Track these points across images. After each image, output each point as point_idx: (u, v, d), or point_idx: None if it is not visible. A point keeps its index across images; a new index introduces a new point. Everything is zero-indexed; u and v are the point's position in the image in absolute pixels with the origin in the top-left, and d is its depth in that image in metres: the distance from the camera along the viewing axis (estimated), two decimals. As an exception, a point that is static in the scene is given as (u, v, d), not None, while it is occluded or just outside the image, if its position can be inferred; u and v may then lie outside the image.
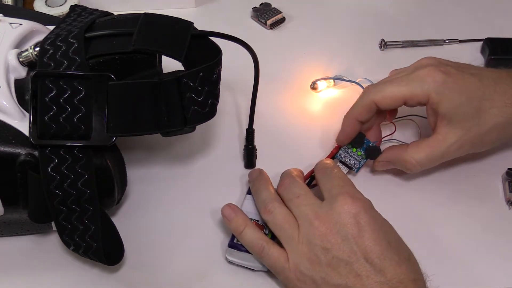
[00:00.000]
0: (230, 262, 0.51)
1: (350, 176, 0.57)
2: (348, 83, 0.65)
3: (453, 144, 0.52)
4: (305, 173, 0.55)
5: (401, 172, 0.58)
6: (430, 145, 0.53)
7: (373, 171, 0.58)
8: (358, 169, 0.56)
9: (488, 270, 0.51)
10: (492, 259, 0.52)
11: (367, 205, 0.47)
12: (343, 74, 0.66)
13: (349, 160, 0.56)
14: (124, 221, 0.53)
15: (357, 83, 0.64)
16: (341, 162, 0.56)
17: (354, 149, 0.56)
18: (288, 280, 0.47)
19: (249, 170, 0.58)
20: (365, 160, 0.56)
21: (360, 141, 0.56)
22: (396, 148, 0.56)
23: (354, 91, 0.63)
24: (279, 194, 0.51)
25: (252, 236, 0.49)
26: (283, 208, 0.49)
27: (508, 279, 0.50)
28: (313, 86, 0.65)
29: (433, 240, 0.53)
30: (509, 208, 0.55)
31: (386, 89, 0.53)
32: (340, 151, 0.57)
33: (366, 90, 0.55)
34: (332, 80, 0.66)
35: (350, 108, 0.56)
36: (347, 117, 0.56)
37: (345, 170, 0.56)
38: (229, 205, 0.51)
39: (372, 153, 0.56)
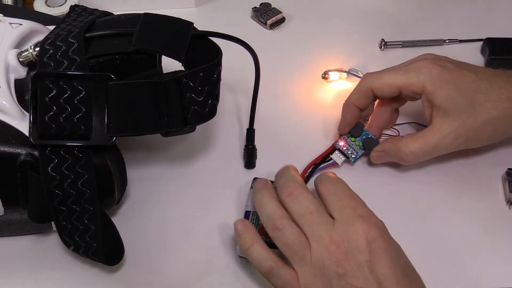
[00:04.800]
0: (241, 257, 0.51)
1: (347, 166, 0.58)
2: (359, 78, 0.64)
3: (447, 135, 0.53)
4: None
5: (400, 172, 0.58)
6: (424, 136, 0.54)
7: (371, 164, 0.58)
8: (356, 159, 0.57)
9: (488, 270, 0.51)
10: (492, 259, 0.52)
11: (383, 230, 0.44)
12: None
13: (347, 149, 0.57)
14: (124, 221, 0.53)
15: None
16: (339, 150, 0.57)
17: (353, 139, 0.57)
18: None
19: (249, 170, 0.58)
20: (362, 151, 0.57)
21: (358, 131, 0.57)
22: (391, 139, 0.57)
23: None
24: (282, 202, 0.47)
25: (260, 254, 0.46)
26: (293, 226, 0.45)
27: (508, 279, 0.50)
28: (324, 76, 0.67)
29: (433, 239, 0.53)
30: (509, 208, 0.55)
31: (383, 76, 0.55)
32: (339, 140, 0.57)
33: (364, 77, 0.57)
34: (344, 73, 0.66)
35: (348, 96, 0.57)
36: (345, 103, 0.57)
37: (342, 158, 0.57)
38: (241, 220, 0.48)
39: (370, 144, 0.57)
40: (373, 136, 0.57)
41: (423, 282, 0.44)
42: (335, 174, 0.48)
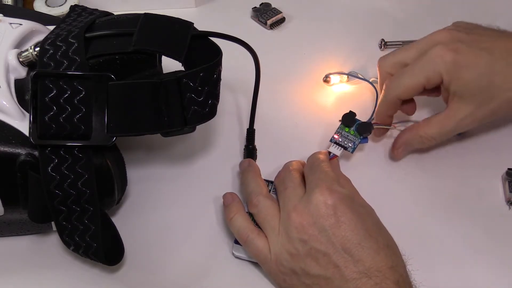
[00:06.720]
0: (237, 257, 0.51)
1: (345, 156, 0.58)
2: (360, 80, 0.65)
3: (463, 118, 0.54)
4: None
5: (400, 172, 0.58)
6: (441, 121, 0.55)
7: (369, 164, 0.58)
8: (354, 148, 0.56)
9: (488, 270, 0.51)
10: (492, 259, 0.52)
11: (345, 196, 0.47)
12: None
13: (343, 140, 0.56)
14: (124, 221, 0.53)
15: (370, 82, 0.64)
16: (335, 143, 0.56)
17: (347, 129, 0.57)
18: (271, 271, 0.48)
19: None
20: (359, 139, 0.56)
21: (351, 120, 0.57)
22: (406, 130, 0.58)
23: (365, 88, 0.65)
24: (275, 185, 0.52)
25: (240, 224, 0.50)
26: (268, 201, 0.50)
27: (508, 280, 0.50)
28: (326, 79, 0.66)
29: (432, 240, 0.53)
30: (509, 208, 0.55)
31: (404, 82, 0.55)
32: (334, 134, 0.57)
33: (387, 88, 0.57)
34: (345, 76, 0.66)
35: (377, 107, 0.58)
36: (378, 116, 0.58)
37: (340, 150, 0.56)
38: (230, 193, 0.53)
39: (364, 128, 0.56)
40: (365, 121, 0.57)
41: (392, 240, 0.47)
42: (325, 155, 0.53)
